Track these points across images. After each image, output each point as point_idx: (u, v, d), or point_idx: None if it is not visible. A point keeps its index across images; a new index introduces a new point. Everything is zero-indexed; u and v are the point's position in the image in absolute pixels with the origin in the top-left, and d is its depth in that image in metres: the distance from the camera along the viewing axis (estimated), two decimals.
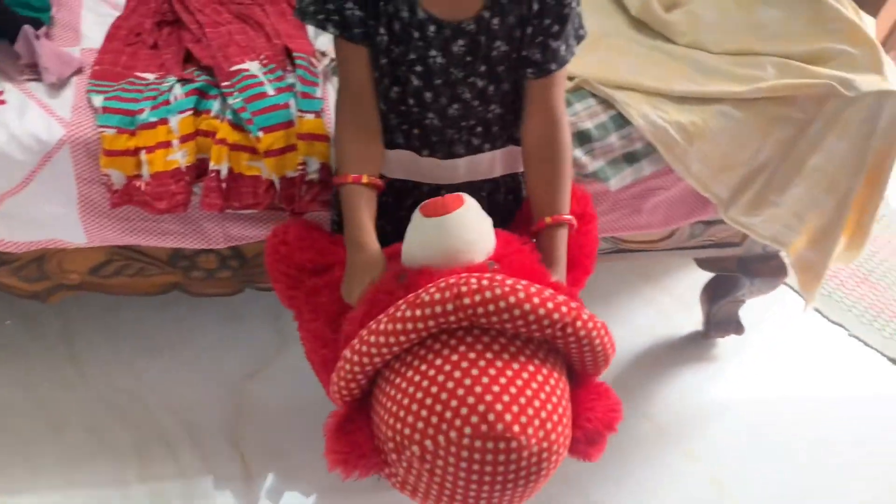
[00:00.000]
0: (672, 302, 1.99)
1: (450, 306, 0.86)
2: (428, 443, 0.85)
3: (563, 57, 1.09)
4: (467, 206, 0.99)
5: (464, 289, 0.86)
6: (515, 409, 0.84)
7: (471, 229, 0.99)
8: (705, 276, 1.83)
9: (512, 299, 0.85)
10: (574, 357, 0.95)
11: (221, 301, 1.55)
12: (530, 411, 0.85)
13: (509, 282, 0.87)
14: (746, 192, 1.48)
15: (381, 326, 0.89)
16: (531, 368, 0.88)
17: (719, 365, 1.87)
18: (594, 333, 0.91)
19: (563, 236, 1.14)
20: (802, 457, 1.71)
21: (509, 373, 0.86)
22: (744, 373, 1.86)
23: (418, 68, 1.06)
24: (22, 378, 1.62)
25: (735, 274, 1.74)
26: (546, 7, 1.04)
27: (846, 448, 1.74)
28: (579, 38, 1.12)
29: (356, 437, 0.94)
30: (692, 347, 1.90)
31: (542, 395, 0.87)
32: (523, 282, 0.88)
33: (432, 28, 1.02)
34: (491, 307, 0.86)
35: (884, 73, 1.38)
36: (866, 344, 1.95)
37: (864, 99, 1.36)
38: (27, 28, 1.28)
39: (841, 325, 1.99)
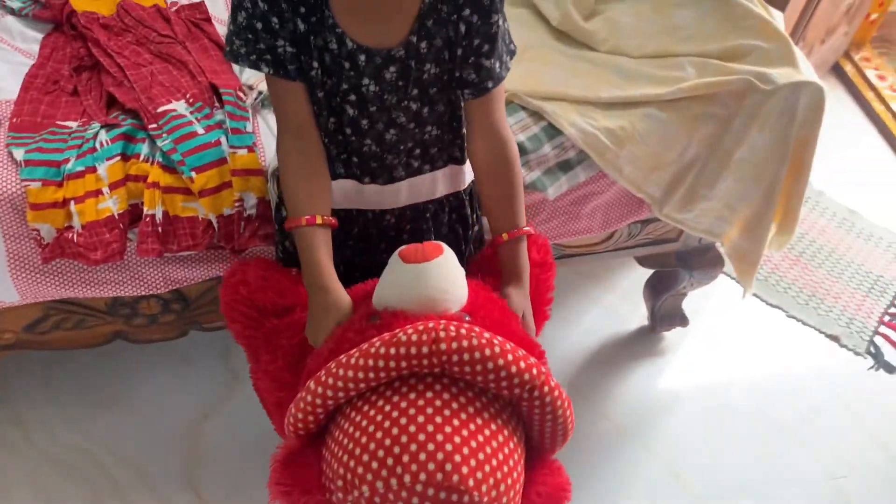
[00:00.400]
0: (617, 299, 2.02)
1: (425, 349, 0.86)
2: (379, 484, 0.83)
3: (499, 74, 1.10)
4: (445, 255, 1.00)
5: (442, 334, 0.86)
6: (473, 463, 0.83)
7: (447, 279, 0.99)
8: (648, 271, 1.87)
9: (487, 352, 0.86)
10: (535, 426, 0.96)
11: (167, 345, 1.51)
12: (487, 468, 0.84)
13: (486, 335, 0.87)
14: (678, 190, 1.52)
15: (353, 361, 0.88)
16: (493, 427, 0.88)
17: (668, 358, 1.91)
18: (559, 403, 0.92)
19: (523, 248, 1.16)
20: (756, 438, 1.76)
21: (472, 427, 0.86)
22: (692, 363, 1.91)
23: (352, 97, 1.06)
24: None
25: (675, 268, 1.78)
26: (473, 28, 1.05)
27: (797, 424, 1.80)
28: (511, 53, 1.14)
29: (304, 472, 0.92)
30: (641, 343, 1.94)
31: (500, 456, 0.87)
32: (499, 337, 0.89)
33: (363, 57, 1.03)
34: (466, 356, 0.86)
35: (796, 65, 1.43)
36: (804, 323, 2.02)
37: (781, 91, 1.41)
38: None
39: (779, 308, 2.05)
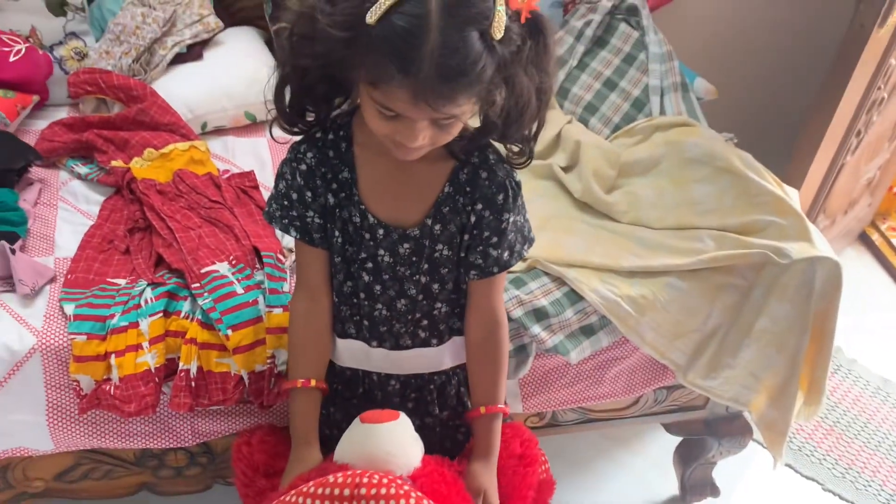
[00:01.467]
0: (647, 465, 1.98)
1: (346, 491, 0.97)
2: None
3: (506, 262, 1.17)
4: (399, 422, 1.11)
5: (365, 480, 0.97)
6: None
7: (395, 443, 1.10)
8: (677, 437, 1.84)
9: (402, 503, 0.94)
10: None
11: (190, 498, 1.52)
12: None
13: (408, 491, 0.96)
14: (702, 357, 1.54)
15: (288, 498, 1.01)
16: None
17: None
18: None
19: (497, 425, 1.23)
20: None
21: None
22: None
23: (369, 265, 1.15)
24: None
25: (703, 436, 1.76)
26: (483, 221, 1.13)
27: None
28: (529, 242, 1.20)
29: None
30: None
31: None
32: (424, 499, 0.97)
33: (381, 232, 1.12)
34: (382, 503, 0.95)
35: (811, 240, 1.48)
36: (841, 497, 1.95)
37: (797, 265, 1.45)
38: (3, 244, 1.34)
39: (814, 480, 1.99)
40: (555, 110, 1.88)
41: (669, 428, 1.78)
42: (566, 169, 1.72)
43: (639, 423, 1.71)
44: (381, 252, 1.14)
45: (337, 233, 1.13)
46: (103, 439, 1.33)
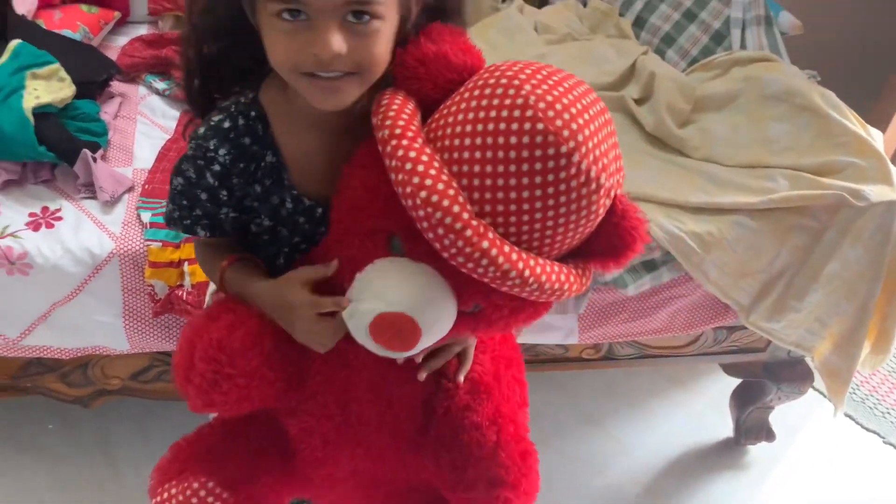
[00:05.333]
0: (703, 406, 1.98)
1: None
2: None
3: None
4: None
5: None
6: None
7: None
8: (736, 380, 1.83)
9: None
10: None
11: None
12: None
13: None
14: (766, 299, 1.51)
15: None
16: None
17: (751, 473, 1.84)
18: None
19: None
20: None
21: None
22: (777, 482, 1.83)
23: (304, 246, 0.96)
24: (62, 480, 1.66)
25: (762, 380, 1.74)
26: None
27: None
28: None
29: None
30: (724, 454, 1.88)
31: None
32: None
33: (319, 211, 0.93)
34: None
35: (893, 183, 1.43)
36: None
37: (875, 208, 1.40)
38: (86, 151, 1.40)
39: (875, 433, 1.95)
40: (630, 41, 1.84)
41: (728, 369, 1.77)
42: (639, 101, 1.69)
43: (697, 361, 1.70)
44: (322, 230, 0.94)
45: (265, 219, 0.94)
46: (175, 342, 1.40)
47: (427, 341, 0.80)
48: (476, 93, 0.75)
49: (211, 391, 0.88)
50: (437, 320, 0.79)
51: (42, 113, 1.40)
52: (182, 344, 0.91)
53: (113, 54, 1.75)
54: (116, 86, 1.69)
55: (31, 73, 1.42)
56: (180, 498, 0.97)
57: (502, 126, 0.71)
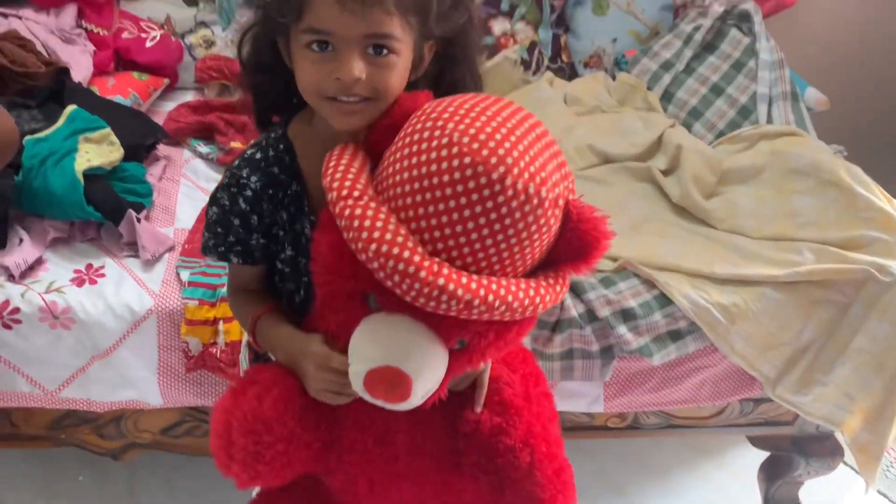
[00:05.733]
0: (730, 478, 1.95)
1: None
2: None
3: None
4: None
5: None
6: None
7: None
8: (764, 452, 1.81)
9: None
10: None
11: None
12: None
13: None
14: (793, 371, 1.51)
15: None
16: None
17: None
18: None
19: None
20: None
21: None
22: None
23: None
24: None
25: (790, 453, 1.72)
26: None
27: None
28: None
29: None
30: None
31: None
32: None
33: None
34: None
35: None
36: None
37: None
38: (130, 212, 1.46)
39: None
40: (658, 113, 1.88)
41: (755, 441, 1.75)
42: (666, 172, 1.72)
43: (723, 433, 1.69)
44: None
45: (288, 247, 1.01)
46: (207, 398, 1.44)
47: (425, 386, 0.82)
48: (408, 140, 0.80)
49: (255, 463, 0.91)
50: (424, 365, 0.81)
51: (92, 175, 1.47)
52: (216, 427, 0.94)
53: (160, 119, 1.84)
54: (162, 149, 1.77)
55: (83, 137, 1.50)
56: None
57: (434, 168, 0.76)
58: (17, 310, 1.35)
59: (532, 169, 0.76)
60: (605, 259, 1.51)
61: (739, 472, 1.95)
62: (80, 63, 1.76)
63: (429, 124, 0.79)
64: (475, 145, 0.75)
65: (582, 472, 1.98)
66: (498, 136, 0.76)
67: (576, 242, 0.82)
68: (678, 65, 1.91)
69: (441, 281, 0.74)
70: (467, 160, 0.75)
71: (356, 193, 0.78)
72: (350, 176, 0.80)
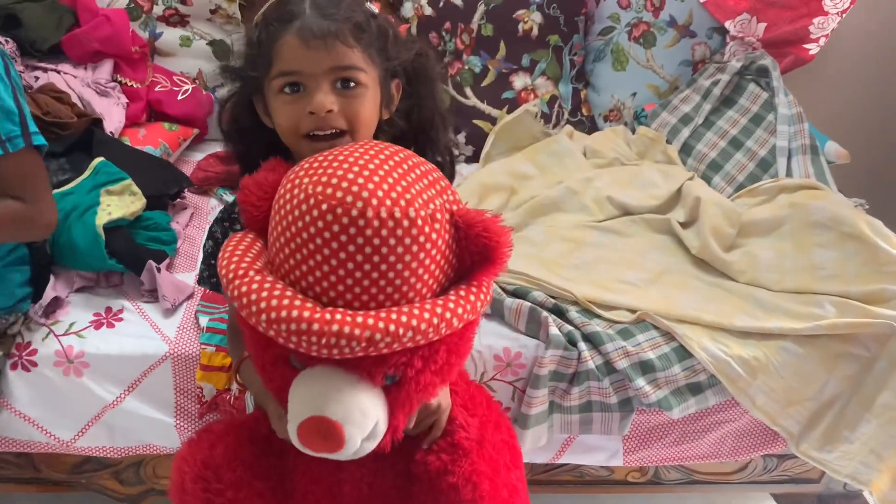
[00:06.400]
0: None
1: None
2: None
3: None
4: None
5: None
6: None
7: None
8: None
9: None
10: None
11: None
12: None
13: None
14: (817, 427, 1.48)
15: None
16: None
17: None
18: None
19: None
20: None
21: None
22: None
23: None
24: None
25: None
26: None
27: None
28: None
29: None
30: None
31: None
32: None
33: None
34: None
35: None
36: None
37: None
38: (151, 263, 1.49)
39: None
40: (677, 166, 1.89)
41: (780, 500, 1.71)
42: (685, 225, 1.71)
43: (746, 490, 1.65)
44: None
45: None
46: None
47: (359, 428, 0.82)
48: (277, 208, 0.83)
49: None
50: (350, 408, 0.81)
51: (114, 226, 1.50)
52: (173, 476, 1.00)
53: (190, 168, 1.89)
54: (190, 198, 1.81)
55: (105, 191, 1.53)
56: None
57: (300, 224, 0.78)
58: (34, 351, 1.37)
59: (393, 195, 0.78)
60: (623, 311, 1.51)
61: None
62: (112, 114, 1.82)
63: (288, 186, 0.82)
64: (328, 191, 0.77)
65: None
66: (350, 176, 0.78)
67: (475, 248, 0.83)
68: (697, 118, 1.92)
69: (335, 327, 0.75)
70: (324, 206, 0.77)
71: (241, 272, 0.81)
72: (237, 258, 0.83)
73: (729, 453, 1.54)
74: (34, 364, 1.38)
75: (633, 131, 2.04)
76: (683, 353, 1.44)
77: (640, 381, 1.40)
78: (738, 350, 1.43)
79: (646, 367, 1.41)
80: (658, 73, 2.09)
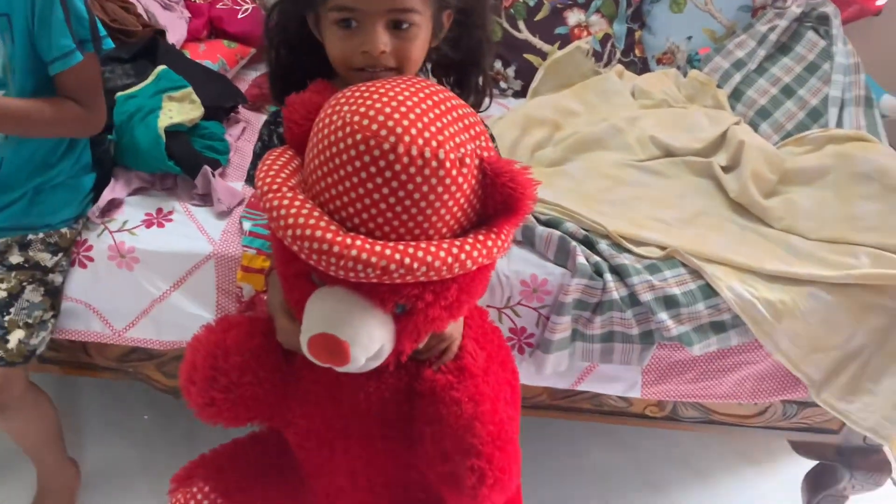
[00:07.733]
0: (773, 486, 1.91)
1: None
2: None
3: None
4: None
5: None
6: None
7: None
8: (811, 462, 1.77)
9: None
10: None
11: None
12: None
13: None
14: (840, 376, 1.48)
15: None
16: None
17: None
18: None
19: None
20: None
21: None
22: None
23: None
24: (151, 469, 1.80)
25: (835, 464, 1.68)
26: None
27: None
28: None
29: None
30: None
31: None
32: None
33: None
34: None
35: None
36: None
37: None
38: (206, 168, 1.56)
39: None
40: (724, 111, 1.87)
41: (798, 448, 1.72)
42: (726, 169, 1.71)
43: (764, 434, 1.66)
44: None
45: None
46: None
47: (364, 350, 0.87)
48: (316, 131, 0.86)
49: (210, 389, 1.02)
50: (359, 330, 0.87)
51: (174, 131, 1.58)
52: (187, 353, 1.06)
53: (244, 85, 1.95)
54: (244, 113, 1.87)
55: (167, 96, 1.61)
56: (182, 500, 1.12)
57: (334, 150, 0.81)
58: (90, 247, 1.46)
59: (427, 134, 0.80)
60: (654, 247, 1.53)
61: (783, 482, 1.91)
62: (175, 28, 1.89)
63: (329, 111, 0.85)
64: (364, 122, 0.80)
65: (621, 465, 2.00)
66: (387, 110, 0.81)
67: (499, 197, 0.86)
68: (750, 64, 1.89)
69: (354, 252, 0.79)
70: (359, 136, 0.80)
71: (276, 186, 0.85)
72: (273, 172, 0.87)
73: (748, 395, 1.55)
74: (90, 259, 1.47)
75: (685, 74, 2.02)
76: (709, 291, 1.45)
77: (663, 315, 1.42)
78: (765, 293, 1.43)
79: (669, 302, 1.43)
80: (716, 16, 2.05)
